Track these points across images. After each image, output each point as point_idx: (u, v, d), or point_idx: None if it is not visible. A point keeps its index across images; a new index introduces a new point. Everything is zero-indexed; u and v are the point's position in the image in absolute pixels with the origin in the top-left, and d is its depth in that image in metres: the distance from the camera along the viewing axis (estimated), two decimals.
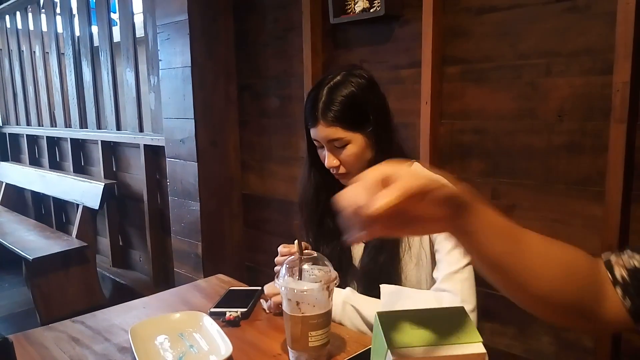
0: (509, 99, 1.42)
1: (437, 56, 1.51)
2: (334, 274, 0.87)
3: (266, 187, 2.19)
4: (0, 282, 3.57)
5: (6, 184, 4.08)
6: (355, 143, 1.05)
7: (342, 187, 1.12)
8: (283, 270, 0.87)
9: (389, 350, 0.60)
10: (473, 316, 0.97)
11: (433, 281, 1.09)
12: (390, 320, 0.66)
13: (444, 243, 1.02)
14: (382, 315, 0.66)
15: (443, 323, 0.65)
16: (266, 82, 2.10)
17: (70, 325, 1.03)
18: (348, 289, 1.06)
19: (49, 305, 2.79)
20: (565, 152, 1.34)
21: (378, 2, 1.58)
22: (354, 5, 1.65)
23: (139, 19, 2.77)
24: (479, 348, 0.63)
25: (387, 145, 1.08)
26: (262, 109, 2.13)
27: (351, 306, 1.02)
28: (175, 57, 2.10)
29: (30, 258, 2.65)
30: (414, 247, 1.08)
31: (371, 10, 1.61)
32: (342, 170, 1.08)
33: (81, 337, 0.97)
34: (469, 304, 0.98)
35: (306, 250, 0.89)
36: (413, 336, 0.63)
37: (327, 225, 1.17)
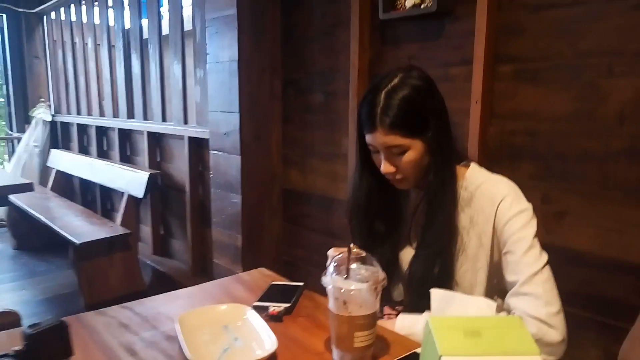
0: (566, 100, 1.36)
1: (490, 54, 1.47)
2: (382, 274, 0.85)
3: (307, 182, 2.19)
4: (48, 265, 3.73)
5: (56, 170, 4.26)
6: (415, 149, 1.02)
7: (395, 190, 1.11)
8: (331, 268, 0.86)
9: (442, 358, 0.59)
10: (559, 318, 0.92)
11: (492, 285, 1.05)
12: (443, 327, 0.64)
13: (519, 244, 0.98)
14: (434, 321, 0.65)
15: (498, 332, 0.63)
16: (311, 78, 2.09)
17: (119, 311, 1.06)
18: (427, 313, 1.01)
19: (92, 289, 2.89)
20: (624, 158, 1.27)
21: None
22: (405, 1, 1.62)
23: (187, 12, 2.82)
24: None
25: (446, 150, 1.05)
26: (306, 104, 2.13)
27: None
28: (222, 51, 2.12)
29: (77, 242, 2.75)
30: (470, 249, 1.05)
31: (422, 6, 1.58)
32: (398, 175, 1.05)
33: (130, 324, 1.00)
34: (554, 306, 0.93)
35: (355, 250, 0.87)
36: (467, 344, 0.61)
37: (377, 228, 1.16)
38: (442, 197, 1.05)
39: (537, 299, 0.93)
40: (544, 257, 0.98)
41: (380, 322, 1.05)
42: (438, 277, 1.04)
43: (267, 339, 0.88)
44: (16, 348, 0.74)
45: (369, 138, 1.04)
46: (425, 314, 1.00)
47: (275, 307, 1.03)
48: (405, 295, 1.16)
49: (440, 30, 1.60)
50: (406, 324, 1.01)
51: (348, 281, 0.84)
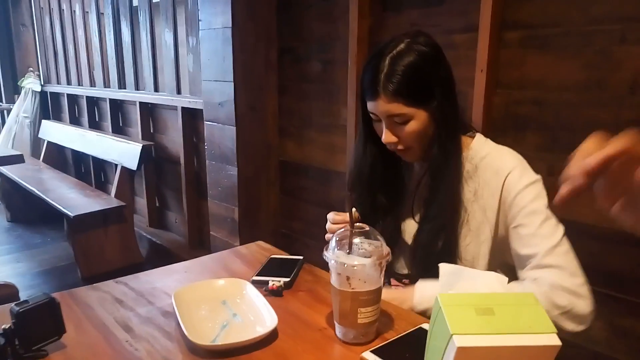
0: (576, 68, 1.30)
1: (496, 20, 1.41)
2: (386, 249, 0.82)
3: (304, 154, 2.14)
4: (44, 237, 3.70)
5: (48, 141, 4.18)
6: (418, 119, 0.98)
7: (399, 161, 1.06)
8: (333, 243, 0.83)
9: (453, 337, 0.56)
10: (587, 288, 0.90)
11: (495, 258, 1.02)
12: (454, 304, 0.61)
13: (533, 217, 0.94)
14: (444, 297, 0.62)
15: (512, 309, 0.60)
16: (308, 46, 2.02)
17: (113, 286, 1.03)
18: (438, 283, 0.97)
19: (88, 261, 2.87)
20: (635, 128, 1.23)
21: None
22: None
23: None
24: (553, 339, 0.57)
25: (451, 121, 1.00)
26: (303, 73, 2.06)
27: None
28: (215, 18, 2.04)
29: (72, 215, 2.72)
30: (474, 222, 1.02)
31: None
32: (401, 146, 1.01)
33: (125, 299, 0.97)
34: (580, 277, 0.90)
35: (357, 224, 0.84)
36: (479, 322, 0.58)
37: (380, 201, 1.12)
38: (446, 169, 1.02)
39: (562, 270, 0.90)
40: (561, 228, 0.95)
41: (397, 292, 1.03)
42: (442, 251, 1.02)
43: (267, 315, 0.85)
44: (4, 326, 0.71)
45: (370, 106, 1.00)
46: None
47: (274, 282, 1.00)
48: (409, 268, 1.14)
49: None
50: (426, 296, 0.97)
51: (351, 256, 0.81)
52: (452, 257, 1.03)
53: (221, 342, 0.80)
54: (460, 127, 1.06)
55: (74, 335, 0.82)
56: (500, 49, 1.44)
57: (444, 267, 0.94)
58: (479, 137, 1.08)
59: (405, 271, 1.13)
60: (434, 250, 1.02)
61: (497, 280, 0.92)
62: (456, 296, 0.63)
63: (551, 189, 1.34)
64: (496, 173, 1.00)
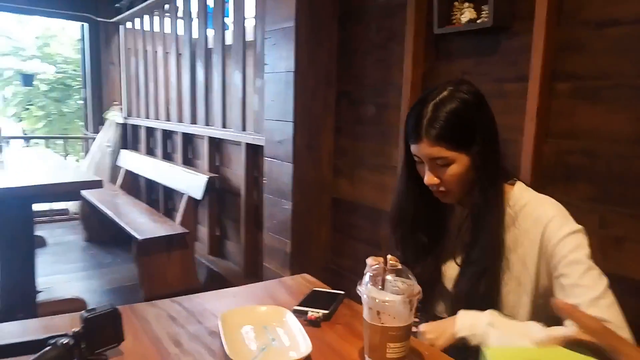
0: (627, 120, 1.30)
1: (547, 71, 1.43)
2: (417, 288, 0.86)
3: (356, 193, 2.21)
4: (114, 257, 3.98)
5: (125, 169, 4.55)
6: (459, 163, 1.02)
7: (440, 203, 1.11)
8: (366, 278, 0.88)
9: None
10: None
11: (538, 308, 1.02)
12: (500, 356, 0.62)
13: (574, 267, 0.94)
14: (492, 352, 0.62)
15: None
16: (364, 90, 2.12)
17: (169, 305, 1.13)
18: (488, 312, 0.99)
19: (151, 283, 3.06)
20: None
21: (486, 13, 1.53)
22: (460, 15, 1.62)
23: (250, 24, 2.95)
24: None
25: (492, 166, 1.04)
26: (358, 116, 2.16)
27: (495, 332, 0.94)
28: (280, 62, 2.20)
29: (139, 238, 2.93)
30: (514, 270, 1.03)
31: (478, 21, 1.57)
32: (442, 188, 1.05)
33: (178, 317, 1.07)
34: (624, 330, 0.90)
35: (391, 261, 0.89)
36: None
37: (421, 240, 1.15)
38: (487, 215, 1.04)
39: (607, 324, 0.89)
40: (604, 279, 0.93)
41: (437, 322, 1.04)
42: (483, 296, 1.03)
43: (302, 343, 0.91)
44: (75, 329, 0.82)
45: (414, 148, 1.05)
46: (488, 312, 0.98)
47: (313, 313, 1.06)
48: (449, 312, 1.15)
49: (495, 46, 1.59)
50: (467, 324, 0.98)
51: (383, 292, 0.86)
52: (494, 303, 1.04)
53: None
54: (501, 173, 1.09)
55: (131, 345, 0.92)
56: (551, 99, 1.46)
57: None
58: (519, 184, 1.10)
59: (445, 315, 1.15)
60: (475, 296, 1.04)
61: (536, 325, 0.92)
62: (503, 350, 0.64)
63: (603, 241, 1.33)
64: (536, 222, 1.01)
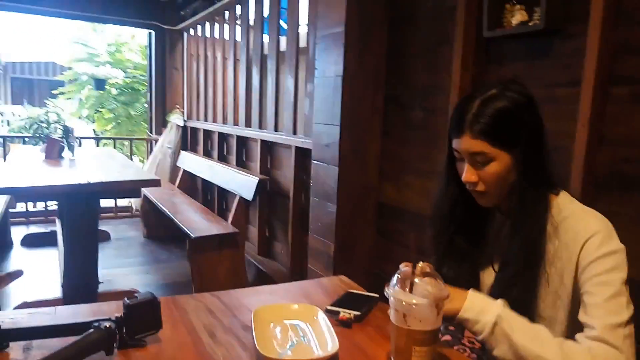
0: None
1: (602, 74, 1.36)
2: (446, 292, 0.86)
3: (402, 198, 2.19)
4: (170, 254, 4.17)
5: (184, 170, 4.75)
6: (500, 161, 0.99)
7: (480, 206, 1.08)
8: (394, 280, 0.88)
9: None
10: None
11: (573, 323, 0.98)
12: None
13: (603, 288, 0.91)
14: None
15: None
16: (413, 94, 2.10)
17: (209, 298, 1.18)
18: (500, 302, 0.96)
19: (202, 280, 3.17)
20: None
21: (538, 15, 1.48)
22: (511, 18, 1.57)
23: (303, 31, 3.01)
24: None
25: (535, 172, 1.00)
26: (406, 120, 2.15)
27: (501, 328, 0.92)
28: (329, 67, 2.23)
29: (193, 236, 3.05)
30: (553, 283, 0.99)
31: (529, 24, 1.52)
32: (479, 187, 1.02)
33: (215, 310, 1.11)
34: None
35: (421, 264, 0.89)
36: None
37: (458, 244, 1.13)
38: (526, 221, 1.01)
39: (620, 353, 0.85)
40: (631, 309, 0.89)
41: (453, 289, 0.98)
42: (517, 301, 0.99)
43: (330, 341, 0.92)
44: (117, 315, 0.88)
45: (455, 143, 1.03)
46: (499, 301, 0.96)
47: (345, 313, 1.07)
48: None
49: (547, 49, 1.53)
50: (476, 307, 0.95)
51: (410, 295, 0.86)
52: (530, 309, 1.00)
53: (286, 358, 0.89)
54: (545, 181, 1.04)
55: (168, 333, 0.97)
56: (606, 104, 1.39)
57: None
58: (564, 195, 1.05)
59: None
60: (508, 301, 1.00)
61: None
62: None
63: None
64: (576, 236, 0.96)
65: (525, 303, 1.00)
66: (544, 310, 1.00)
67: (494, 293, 1.05)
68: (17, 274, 0.97)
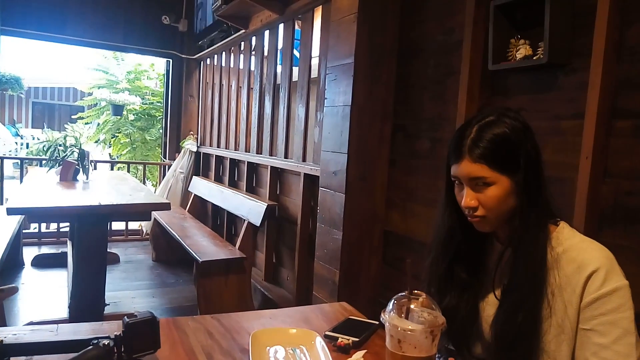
0: None
1: (605, 108, 1.38)
2: (442, 319, 0.86)
3: (408, 226, 2.20)
4: (177, 278, 4.18)
5: (195, 194, 4.80)
6: (500, 185, 0.99)
7: (479, 235, 1.08)
8: (390, 306, 0.89)
9: None
10: None
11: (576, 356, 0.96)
12: None
13: (611, 328, 0.90)
14: None
15: None
16: (420, 124, 2.13)
17: (209, 320, 1.19)
18: None
19: (208, 305, 3.17)
20: None
21: (541, 50, 1.51)
22: (516, 52, 1.61)
23: (315, 62, 3.08)
24: None
25: (534, 197, 1.00)
26: (413, 149, 2.17)
27: None
28: (338, 97, 2.28)
29: (200, 260, 3.07)
30: (557, 314, 0.98)
31: (534, 58, 1.55)
32: (479, 212, 1.01)
33: (214, 332, 1.12)
34: None
35: (415, 291, 0.89)
36: None
37: (457, 274, 1.12)
38: (531, 243, 1.00)
39: None
40: (638, 351, 0.88)
41: None
42: (521, 332, 0.97)
43: None
44: (116, 333, 0.89)
45: (454, 169, 1.03)
46: None
47: (344, 339, 1.07)
48: (487, 353, 1.11)
49: (552, 82, 1.55)
50: None
51: (405, 321, 0.86)
52: (532, 340, 0.98)
53: None
54: (545, 208, 1.04)
55: (167, 354, 0.98)
56: (609, 137, 1.39)
57: None
58: (563, 225, 1.04)
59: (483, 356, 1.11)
60: (512, 331, 0.98)
61: None
62: None
63: None
64: (579, 269, 0.95)
65: (529, 330, 0.98)
66: (548, 344, 0.98)
67: (498, 320, 1.04)
68: (12, 290, 0.99)
